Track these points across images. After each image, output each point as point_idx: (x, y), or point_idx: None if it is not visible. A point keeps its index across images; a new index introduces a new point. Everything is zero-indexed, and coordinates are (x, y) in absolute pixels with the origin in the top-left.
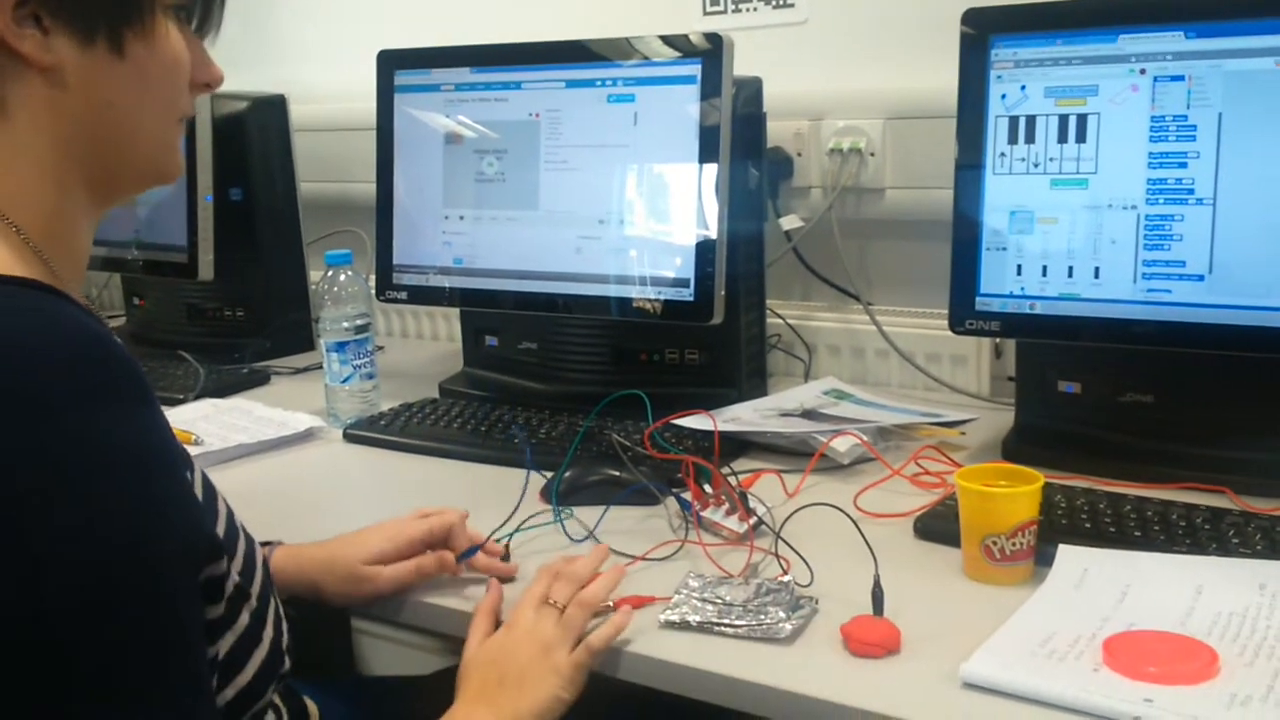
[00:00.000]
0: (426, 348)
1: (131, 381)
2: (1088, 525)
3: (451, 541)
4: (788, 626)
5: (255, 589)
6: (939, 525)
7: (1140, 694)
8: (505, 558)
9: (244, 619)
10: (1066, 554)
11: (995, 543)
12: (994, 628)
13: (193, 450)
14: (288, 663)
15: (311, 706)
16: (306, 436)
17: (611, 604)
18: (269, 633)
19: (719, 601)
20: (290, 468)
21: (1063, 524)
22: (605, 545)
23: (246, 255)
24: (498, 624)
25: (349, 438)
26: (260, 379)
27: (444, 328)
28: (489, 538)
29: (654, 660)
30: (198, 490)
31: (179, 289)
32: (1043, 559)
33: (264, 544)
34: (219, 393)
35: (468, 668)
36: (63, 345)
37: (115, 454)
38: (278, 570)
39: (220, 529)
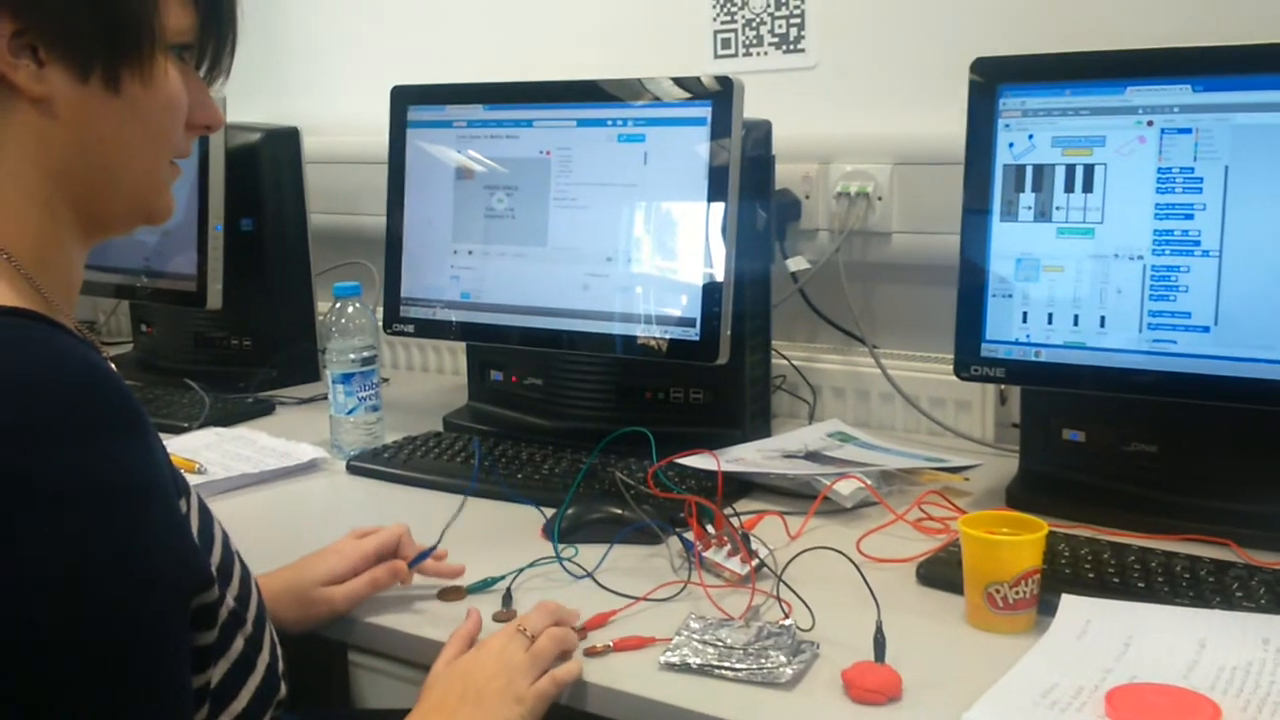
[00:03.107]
0: (431, 381)
1: (126, 411)
2: (1091, 575)
3: (400, 551)
4: (788, 671)
5: (251, 615)
6: (942, 571)
7: None
8: (507, 598)
9: (238, 645)
10: (1070, 604)
11: (998, 591)
12: (996, 677)
13: (195, 479)
14: (283, 689)
15: None
16: (310, 467)
17: (610, 643)
18: (264, 659)
19: (720, 644)
20: (293, 498)
21: (1066, 573)
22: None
23: (255, 285)
24: None
25: (352, 469)
26: (265, 409)
27: (449, 361)
28: (436, 545)
29: (653, 702)
30: (194, 518)
31: (187, 317)
32: (1045, 608)
33: None
34: (224, 421)
35: (431, 682)
36: (58, 376)
37: (108, 483)
38: None
39: (216, 556)
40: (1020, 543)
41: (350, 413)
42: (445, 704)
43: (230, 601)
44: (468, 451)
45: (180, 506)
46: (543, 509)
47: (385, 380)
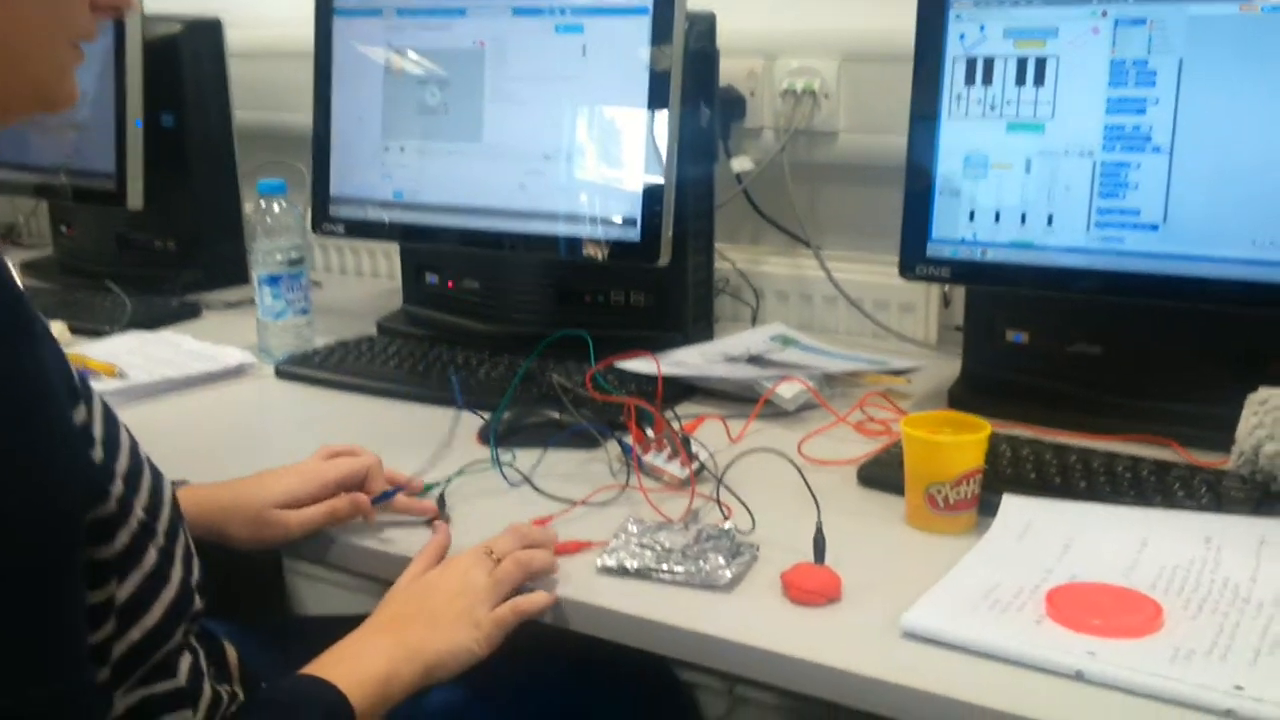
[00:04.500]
0: (365, 284)
1: (12, 312)
2: (1032, 475)
3: (368, 484)
4: (727, 573)
5: (162, 525)
6: (883, 473)
7: (1083, 646)
8: (441, 504)
9: (150, 557)
10: (1011, 504)
11: (939, 491)
12: (936, 577)
13: (115, 384)
14: (199, 602)
15: (230, 650)
16: (237, 372)
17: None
18: (177, 572)
19: (658, 547)
20: (218, 404)
21: (1007, 473)
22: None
23: (179, 185)
24: None
25: (281, 374)
26: (191, 312)
27: (384, 264)
28: (416, 482)
29: (588, 606)
30: (97, 425)
31: (108, 218)
32: (986, 509)
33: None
34: (147, 325)
35: (390, 597)
36: None
37: None
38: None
39: (122, 464)
40: (962, 443)
41: (278, 316)
42: (398, 620)
43: (139, 512)
44: (401, 355)
45: (77, 414)
46: (480, 413)
47: (317, 284)
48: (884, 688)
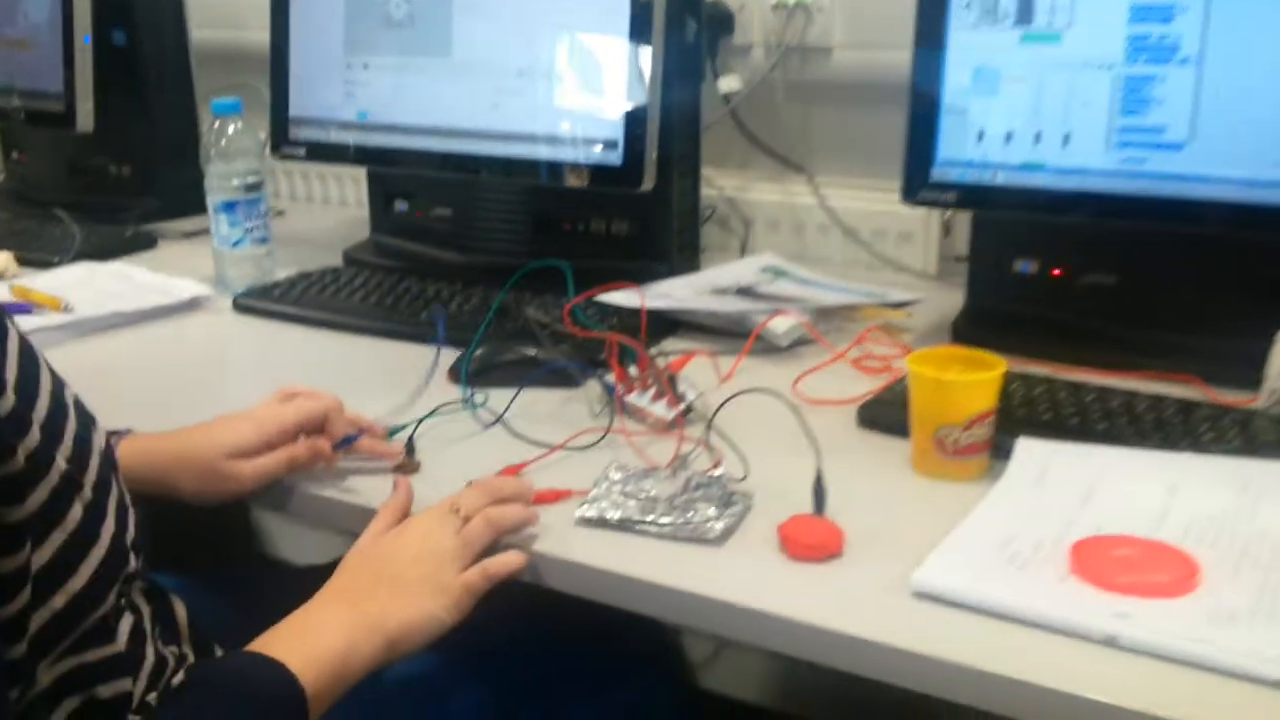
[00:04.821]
0: (332, 213)
1: None
2: (1047, 416)
3: (328, 428)
4: (718, 525)
5: (90, 478)
6: (885, 413)
7: (1113, 607)
8: (409, 450)
9: (75, 514)
10: (1026, 447)
11: (948, 435)
12: (947, 529)
13: (60, 318)
14: (133, 562)
15: (180, 607)
16: (191, 305)
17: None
18: (109, 528)
19: (643, 496)
20: (170, 340)
21: (1020, 414)
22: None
23: (133, 107)
24: None
25: (239, 307)
26: (146, 241)
27: (352, 191)
28: (382, 428)
29: (564, 562)
30: (9, 368)
31: (60, 143)
32: (999, 453)
33: (111, 433)
34: (99, 255)
35: (348, 560)
36: None
37: None
38: (123, 464)
39: (41, 411)
40: (974, 382)
41: (235, 245)
42: (357, 587)
43: (61, 463)
44: (368, 288)
45: None
46: (452, 350)
47: (280, 212)
48: (894, 654)
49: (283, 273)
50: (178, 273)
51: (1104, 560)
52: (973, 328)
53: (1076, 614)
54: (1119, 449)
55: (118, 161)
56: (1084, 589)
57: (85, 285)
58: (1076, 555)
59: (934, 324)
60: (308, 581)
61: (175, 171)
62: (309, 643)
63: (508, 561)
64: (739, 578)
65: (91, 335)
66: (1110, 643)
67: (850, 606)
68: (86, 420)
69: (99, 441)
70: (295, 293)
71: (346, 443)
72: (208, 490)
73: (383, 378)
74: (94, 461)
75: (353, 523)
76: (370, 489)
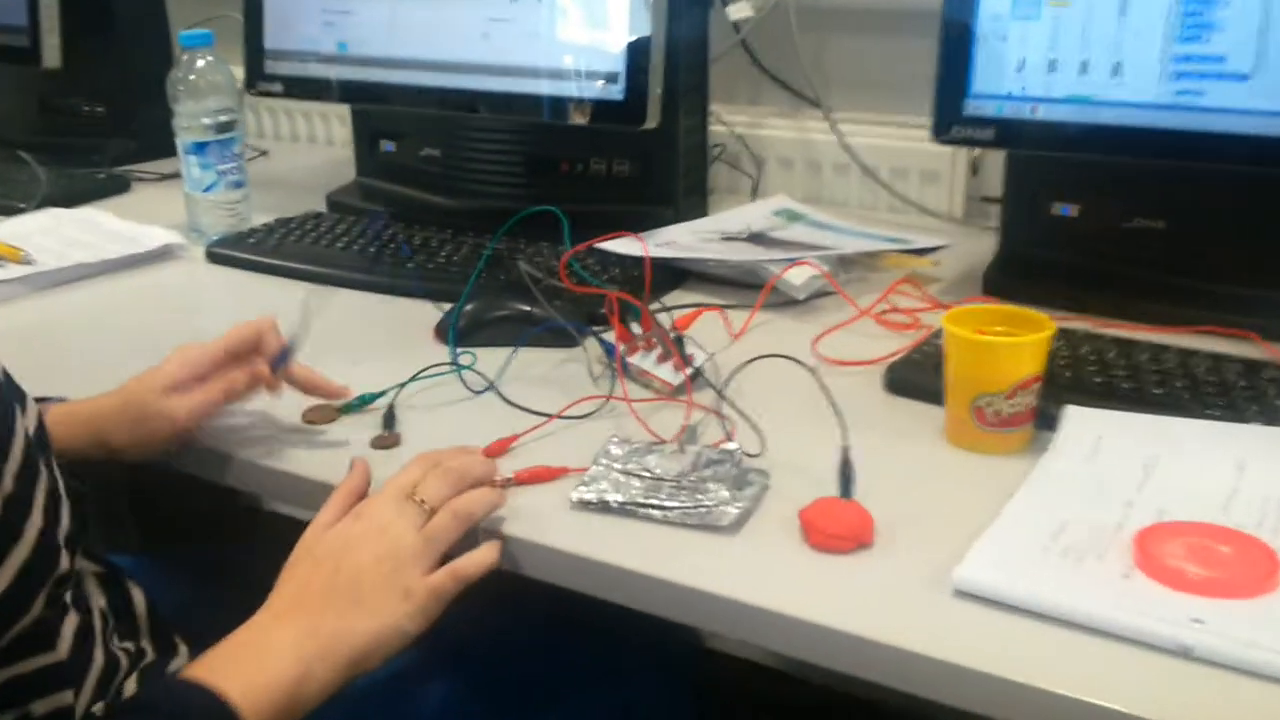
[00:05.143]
0: (318, 153)
1: None
2: (1096, 380)
3: (263, 349)
4: (732, 510)
5: (11, 467)
6: (915, 377)
7: (1186, 610)
8: (388, 420)
9: None
10: (1075, 417)
11: (989, 404)
12: (988, 513)
13: (20, 270)
14: (65, 562)
15: (138, 597)
16: (161, 255)
17: (510, 477)
18: (35, 523)
19: (647, 475)
20: (137, 293)
21: (1065, 377)
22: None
23: (106, 42)
24: None
25: (212, 257)
26: (119, 186)
27: (338, 130)
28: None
29: (560, 553)
30: None
31: (30, 81)
32: (1043, 422)
33: (39, 400)
34: (68, 201)
35: (295, 560)
36: None
37: None
38: (52, 433)
39: None
40: (1020, 345)
41: (208, 189)
42: (309, 596)
43: None
44: (351, 236)
45: None
46: (439, 305)
47: (263, 153)
48: (936, 668)
49: (261, 218)
50: (151, 219)
51: (1172, 553)
52: (1006, 277)
53: (1146, 619)
54: (1178, 418)
55: (91, 100)
56: (1152, 588)
57: (49, 234)
58: (1141, 547)
59: (963, 273)
60: (281, 558)
61: (152, 110)
62: (255, 667)
63: (480, 560)
64: (755, 572)
65: (52, 289)
66: (1185, 654)
67: (883, 608)
68: (9, 399)
69: (26, 424)
70: (273, 241)
71: (283, 360)
72: (143, 438)
73: (363, 335)
74: (16, 447)
75: (302, 498)
76: (320, 460)
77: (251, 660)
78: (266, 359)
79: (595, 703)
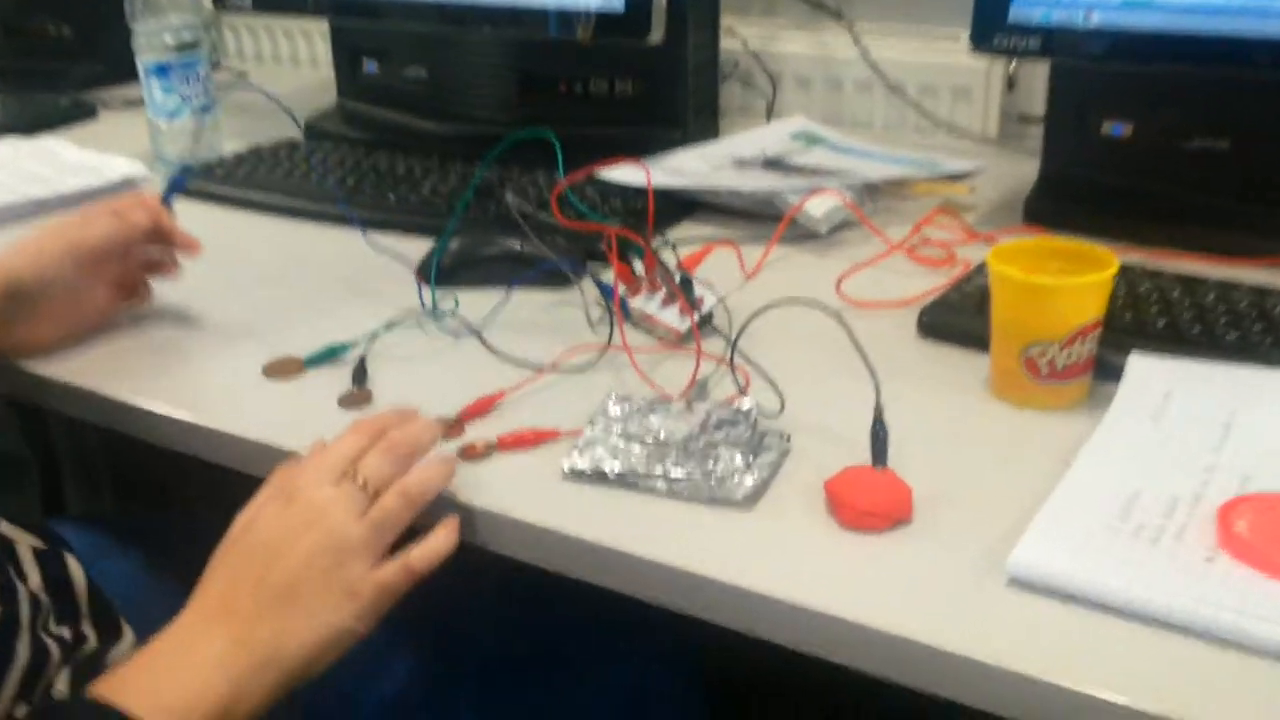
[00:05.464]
0: (300, 75)
1: None
2: (1161, 324)
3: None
4: (746, 481)
5: None
6: (951, 320)
7: None
8: (359, 375)
9: None
10: (1140, 367)
11: (1043, 353)
12: (1044, 481)
13: None
14: None
15: (77, 571)
16: (122, 188)
17: (494, 440)
18: None
19: (649, 439)
20: None
21: (1125, 320)
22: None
23: None
24: None
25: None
26: (84, 112)
27: (321, 49)
28: None
29: (547, 531)
30: None
31: None
32: (1102, 373)
33: None
34: (30, 128)
35: (225, 546)
36: None
37: None
38: None
39: None
40: (1082, 288)
41: (172, 116)
42: (238, 599)
43: None
44: (327, 166)
45: None
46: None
47: (242, 74)
48: (985, 674)
49: (231, 147)
50: (115, 148)
51: (1264, 530)
52: (1050, 205)
53: (1237, 615)
54: (1256, 367)
55: (56, 20)
56: (1239, 574)
57: (7, 165)
58: (1225, 523)
59: (1001, 200)
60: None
61: (120, 30)
62: (174, 686)
63: (437, 548)
64: (773, 556)
65: (5, 225)
66: None
67: (926, 601)
68: None
69: None
70: (243, 171)
71: (175, 188)
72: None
73: (339, 277)
74: None
75: (235, 457)
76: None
77: (171, 676)
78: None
79: (595, 685)
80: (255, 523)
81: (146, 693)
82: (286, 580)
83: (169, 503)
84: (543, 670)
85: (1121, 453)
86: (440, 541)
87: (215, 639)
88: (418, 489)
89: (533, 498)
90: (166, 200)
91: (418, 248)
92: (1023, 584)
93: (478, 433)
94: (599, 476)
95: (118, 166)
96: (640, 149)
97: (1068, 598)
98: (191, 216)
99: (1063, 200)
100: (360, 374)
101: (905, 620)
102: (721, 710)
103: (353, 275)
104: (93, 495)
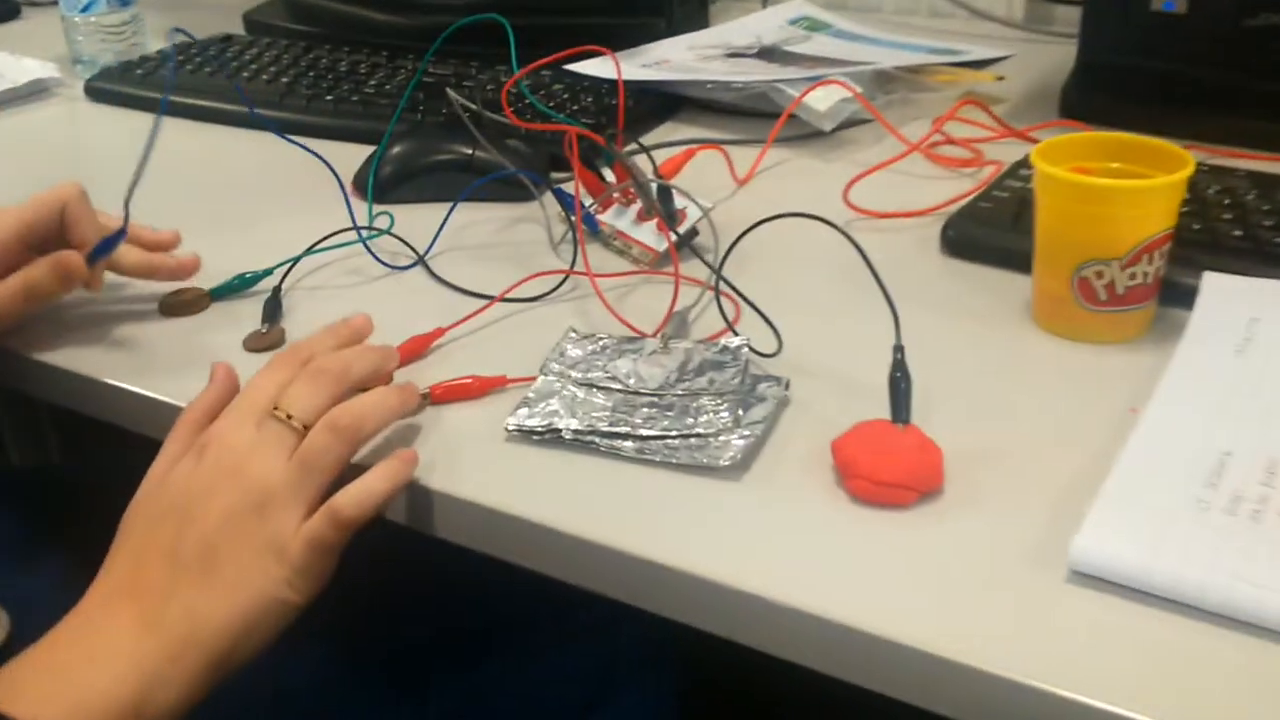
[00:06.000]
0: None
1: None
2: (1236, 234)
3: (71, 232)
4: (734, 443)
5: None
6: (983, 233)
7: None
8: (273, 307)
9: None
10: (1216, 290)
11: (1100, 274)
12: (1108, 436)
13: None
14: None
15: None
16: (34, 92)
17: (426, 392)
18: None
19: (615, 388)
20: (5, 138)
21: (1193, 231)
22: (387, 349)
23: None
24: None
25: (93, 93)
26: (5, 11)
27: None
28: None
29: (482, 509)
30: None
31: None
32: (1169, 296)
33: None
34: None
35: (130, 514)
36: None
37: None
38: None
39: None
40: (1149, 190)
41: (87, 9)
42: (145, 572)
43: None
44: (262, 64)
45: None
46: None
47: None
48: (1048, 704)
49: (158, 44)
50: (34, 50)
51: None
52: (1090, 95)
53: None
54: None
55: None
56: None
57: None
58: None
59: (1033, 90)
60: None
61: None
62: (78, 682)
63: (369, 489)
64: (766, 541)
65: None
66: None
67: (965, 603)
68: None
69: None
70: (166, 71)
71: (104, 249)
72: None
73: (267, 191)
74: None
75: (152, 422)
76: (175, 365)
77: (71, 673)
78: (78, 244)
79: (550, 665)
80: (165, 481)
81: (41, 697)
82: (202, 545)
83: (116, 445)
84: (486, 649)
85: (1202, 398)
86: (376, 480)
87: (121, 622)
88: (348, 419)
89: (468, 465)
90: (93, 260)
91: (356, 157)
92: (1088, 576)
93: (410, 380)
94: (553, 436)
95: (28, 68)
96: (623, 39)
97: (1143, 595)
98: (111, 123)
99: (1105, 89)
100: (272, 308)
101: (943, 635)
102: (696, 691)
103: (276, 190)
104: (36, 442)
